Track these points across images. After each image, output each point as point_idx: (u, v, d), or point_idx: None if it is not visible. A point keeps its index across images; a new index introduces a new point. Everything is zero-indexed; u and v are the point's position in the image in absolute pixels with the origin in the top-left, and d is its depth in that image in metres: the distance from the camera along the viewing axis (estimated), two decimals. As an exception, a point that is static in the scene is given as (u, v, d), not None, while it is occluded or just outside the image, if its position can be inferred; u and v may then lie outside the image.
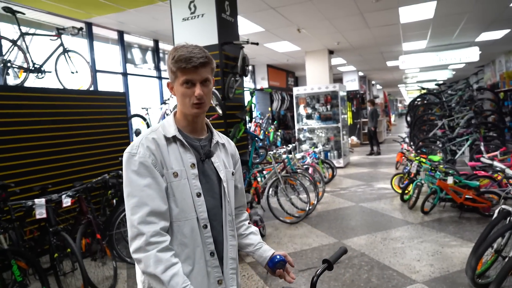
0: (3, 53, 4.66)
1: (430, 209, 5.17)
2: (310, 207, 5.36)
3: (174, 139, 1.27)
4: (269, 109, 12.34)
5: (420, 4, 6.22)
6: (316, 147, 8.04)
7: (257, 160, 4.87)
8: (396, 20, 7.27)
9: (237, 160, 1.50)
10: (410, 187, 5.71)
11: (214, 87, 4.25)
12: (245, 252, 1.48)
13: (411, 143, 8.32)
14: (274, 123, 10.66)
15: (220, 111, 4.18)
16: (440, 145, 7.32)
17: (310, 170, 6.68)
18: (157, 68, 8.08)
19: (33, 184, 3.87)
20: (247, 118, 4.65)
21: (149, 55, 7.98)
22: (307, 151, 7.94)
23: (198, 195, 1.26)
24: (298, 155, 7.50)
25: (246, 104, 4.73)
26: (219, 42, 4.33)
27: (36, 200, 3.05)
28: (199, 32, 4.42)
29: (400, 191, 6.12)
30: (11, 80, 4.65)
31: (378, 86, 25.99)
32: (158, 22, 6.48)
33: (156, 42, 8.00)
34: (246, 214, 1.58)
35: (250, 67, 12.24)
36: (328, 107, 9.88)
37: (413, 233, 4.46)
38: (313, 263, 3.76)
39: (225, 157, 1.41)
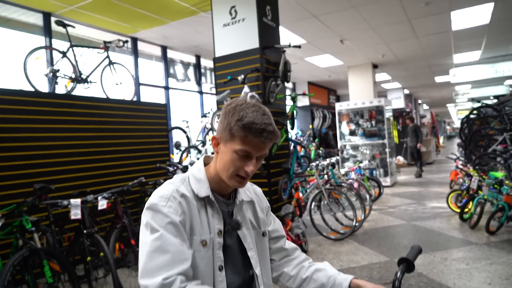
0: (53, 64, 4.88)
1: (497, 229, 4.55)
2: (357, 224, 4.93)
3: (205, 199, 1.09)
4: (310, 126, 12.04)
5: (475, 6, 5.77)
6: (361, 163, 7.58)
7: (299, 171, 4.58)
8: (448, 27, 6.82)
9: (268, 210, 1.29)
10: (471, 205, 5.12)
11: (254, 92, 4.11)
12: None
13: (467, 160, 7.62)
14: (316, 140, 10.32)
15: (260, 116, 3.98)
16: (502, 162, 6.60)
17: (355, 186, 6.25)
18: (199, 83, 8.16)
19: (72, 189, 3.86)
20: (289, 125, 4.42)
21: (191, 70, 8.09)
22: (351, 167, 7.50)
23: (220, 268, 1.07)
24: (342, 171, 7.10)
25: (288, 110, 4.52)
26: (260, 46, 4.21)
27: (72, 200, 2.98)
28: (240, 37, 4.34)
29: (458, 210, 5.51)
30: (59, 89, 4.82)
31: (425, 106, 24.86)
32: (200, 36, 6.54)
33: (198, 58, 8.11)
34: (302, 255, 1.29)
35: (291, 84, 12.13)
36: (373, 122, 9.41)
37: (478, 254, 3.90)
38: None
39: (253, 216, 1.22)
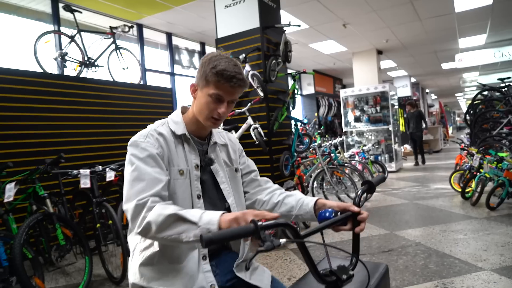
0: (62, 48, 5.03)
1: (497, 204, 4.60)
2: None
3: (182, 137, 1.26)
4: (315, 114, 12.09)
5: (477, -14, 5.77)
6: (365, 146, 7.64)
7: (301, 148, 4.68)
8: (451, 9, 6.81)
9: (241, 152, 1.44)
10: (473, 183, 5.16)
11: (256, 70, 4.20)
12: (294, 220, 1.31)
13: (471, 143, 7.62)
14: (321, 128, 10.37)
15: (261, 94, 4.09)
16: (507, 143, 6.60)
17: (359, 168, 6.33)
18: (204, 70, 8.28)
19: (82, 162, 4.05)
20: (291, 103, 4.51)
21: (196, 58, 8.21)
22: (355, 151, 7.56)
23: (198, 197, 1.23)
24: (346, 154, 7.18)
25: (289, 88, 4.61)
26: (261, 26, 4.29)
27: (81, 170, 3.14)
28: (240, 17, 4.42)
29: (460, 190, 5.56)
30: (68, 72, 4.98)
31: (433, 96, 24.61)
32: (204, 22, 6.64)
33: (202, 45, 8.22)
34: (274, 185, 1.43)
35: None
36: (378, 108, 9.43)
37: (477, 227, 3.97)
38: (361, 250, 3.45)
39: (226, 156, 1.38)
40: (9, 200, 2.76)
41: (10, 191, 2.78)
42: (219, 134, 1.40)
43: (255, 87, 4.14)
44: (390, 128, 9.17)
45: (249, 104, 4.19)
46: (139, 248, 1.20)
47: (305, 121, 10.83)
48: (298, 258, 3.37)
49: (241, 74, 1.19)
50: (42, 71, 4.39)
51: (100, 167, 3.30)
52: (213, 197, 1.29)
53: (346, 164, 5.59)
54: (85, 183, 3.10)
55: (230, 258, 1.29)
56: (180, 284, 1.13)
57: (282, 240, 0.85)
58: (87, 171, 3.15)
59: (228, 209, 1.29)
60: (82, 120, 4.32)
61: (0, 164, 2.99)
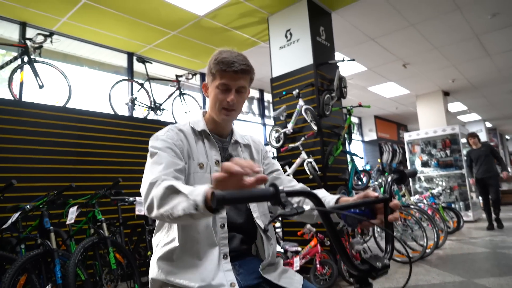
0: (133, 93, 5.58)
1: None
2: (428, 250, 4.49)
3: (202, 133, 1.27)
4: (378, 160, 11.53)
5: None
6: (433, 189, 7.00)
7: (359, 186, 4.41)
8: (523, 42, 6.35)
9: (265, 153, 1.42)
10: None
11: (310, 106, 4.20)
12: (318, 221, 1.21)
13: None
14: (385, 174, 9.82)
15: (315, 127, 4.04)
16: None
17: (429, 212, 5.75)
18: (262, 115, 8.52)
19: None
20: (347, 138, 4.38)
21: (255, 104, 8.52)
22: (423, 194, 6.95)
23: None
24: (413, 198, 6.63)
25: (345, 122, 4.50)
26: (314, 62, 4.37)
27: (137, 198, 3.27)
28: (295, 57, 4.57)
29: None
30: (137, 115, 5.45)
31: (515, 143, 22.27)
32: (262, 68, 6.91)
33: (261, 92, 8.55)
34: (298, 184, 1.37)
35: (356, 119, 11.97)
36: (448, 152, 8.74)
37: None
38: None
39: (249, 156, 1.37)
40: (71, 222, 2.94)
41: (73, 213, 2.97)
42: (243, 135, 1.40)
43: (309, 121, 4.11)
44: (464, 172, 8.35)
45: (303, 138, 4.15)
46: (162, 243, 1.17)
47: (368, 167, 10.38)
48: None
49: (243, 61, 1.19)
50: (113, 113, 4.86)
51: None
52: None
53: (412, 206, 5.12)
54: (140, 210, 3.21)
55: (256, 261, 1.22)
56: (198, 279, 1.06)
57: (306, 207, 0.78)
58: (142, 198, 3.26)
59: (249, 210, 1.25)
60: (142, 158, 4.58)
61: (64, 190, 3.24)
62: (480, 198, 7.59)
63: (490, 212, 6.66)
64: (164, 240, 1.17)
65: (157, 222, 1.23)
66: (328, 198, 1.17)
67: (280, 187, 0.77)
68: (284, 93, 4.39)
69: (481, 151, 6.86)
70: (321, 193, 1.22)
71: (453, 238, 5.99)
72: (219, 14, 4.86)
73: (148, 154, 1.17)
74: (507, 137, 18.89)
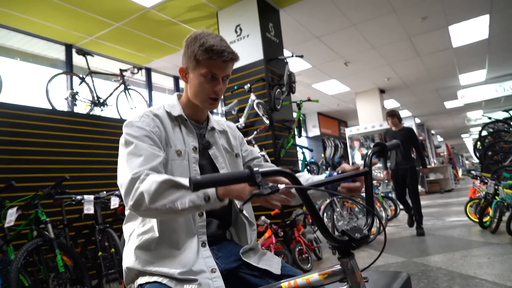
0: (73, 87, 5.22)
1: (520, 230, 4.36)
2: (371, 237, 4.81)
3: (179, 119, 1.23)
4: (322, 155, 12.06)
5: (471, 20, 5.99)
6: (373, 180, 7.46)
7: (309, 178, 4.59)
8: (448, 44, 7.03)
9: (242, 140, 1.42)
10: (490, 211, 4.95)
11: (261, 99, 4.27)
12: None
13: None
14: (329, 168, 10.30)
15: (267, 122, 4.12)
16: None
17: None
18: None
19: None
20: (297, 132, 4.52)
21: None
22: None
23: None
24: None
25: (294, 116, 4.65)
26: (265, 58, 4.44)
27: (85, 196, 3.09)
28: (245, 52, 4.59)
29: (477, 219, 5.32)
30: (78, 110, 5.11)
31: (439, 138, 24.60)
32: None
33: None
34: None
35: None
36: (385, 145, 9.38)
37: (501, 251, 3.73)
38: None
39: (226, 142, 1.34)
40: (10, 225, 2.69)
41: (12, 216, 2.72)
42: (217, 121, 1.38)
43: (261, 115, 4.18)
44: (399, 165, 9.02)
45: (255, 132, 4.21)
46: (137, 232, 1.13)
47: (312, 161, 10.79)
48: None
49: (230, 47, 1.16)
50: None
51: (105, 192, 3.24)
52: None
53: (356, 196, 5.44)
54: (88, 209, 3.04)
55: (233, 245, 1.23)
56: (178, 266, 1.05)
57: (281, 186, 0.79)
58: (91, 197, 3.10)
59: None
60: (88, 156, 4.30)
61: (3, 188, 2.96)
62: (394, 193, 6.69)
63: (409, 207, 5.41)
64: (139, 229, 1.13)
65: (127, 211, 1.18)
66: (314, 179, 1.21)
67: (255, 169, 0.78)
68: (235, 87, 4.41)
69: (399, 134, 5.19)
70: (306, 175, 1.26)
71: (392, 224, 6.48)
72: (167, 7, 4.73)
73: (123, 142, 1.11)
74: (433, 132, 20.78)
